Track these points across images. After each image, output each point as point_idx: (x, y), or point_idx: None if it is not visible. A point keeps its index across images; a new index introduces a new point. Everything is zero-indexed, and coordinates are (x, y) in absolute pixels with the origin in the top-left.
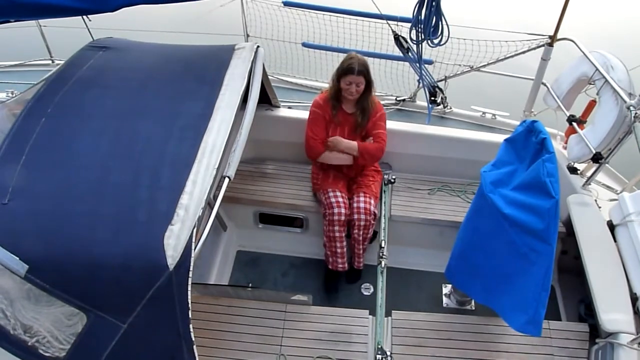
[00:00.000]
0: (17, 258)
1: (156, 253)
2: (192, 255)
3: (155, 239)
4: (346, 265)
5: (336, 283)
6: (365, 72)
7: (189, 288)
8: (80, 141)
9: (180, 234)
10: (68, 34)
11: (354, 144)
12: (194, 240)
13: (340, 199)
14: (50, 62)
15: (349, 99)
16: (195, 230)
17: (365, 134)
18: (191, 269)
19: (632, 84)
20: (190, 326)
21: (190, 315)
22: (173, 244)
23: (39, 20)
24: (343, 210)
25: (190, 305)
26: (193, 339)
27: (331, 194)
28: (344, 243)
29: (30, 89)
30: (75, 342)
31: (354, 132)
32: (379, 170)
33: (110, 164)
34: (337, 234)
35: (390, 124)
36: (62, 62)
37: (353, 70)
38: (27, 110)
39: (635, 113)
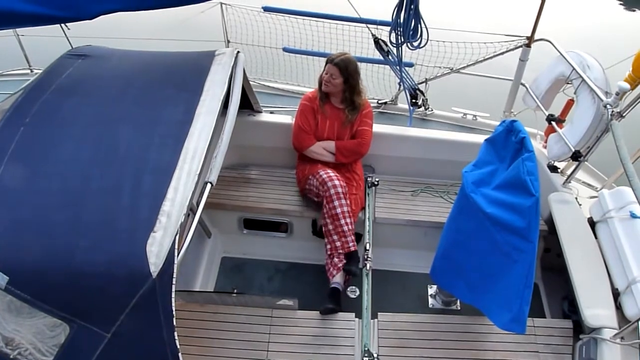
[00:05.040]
0: None
1: (139, 261)
2: (175, 262)
3: (137, 247)
4: (355, 243)
5: (338, 299)
6: (342, 67)
7: (173, 295)
8: (60, 149)
9: (162, 241)
10: (46, 43)
11: (332, 142)
12: (176, 247)
13: (333, 174)
14: (28, 71)
15: (332, 92)
16: (177, 236)
17: (355, 132)
18: (174, 276)
19: (608, 83)
20: (175, 334)
21: (175, 323)
22: (156, 251)
23: (17, 29)
24: (337, 182)
25: (174, 312)
26: (178, 346)
27: (322, 172)
28: (352, 219)
29: (8, 99)
30: (58, 354)
31: (343, 127)
32: (363, 178)
33: (90, 172)
34: (341, 209)
35: (373, 127)
36: (41, 71)
37: (332, 60)
38: (5, 120)
39: (612, 111)
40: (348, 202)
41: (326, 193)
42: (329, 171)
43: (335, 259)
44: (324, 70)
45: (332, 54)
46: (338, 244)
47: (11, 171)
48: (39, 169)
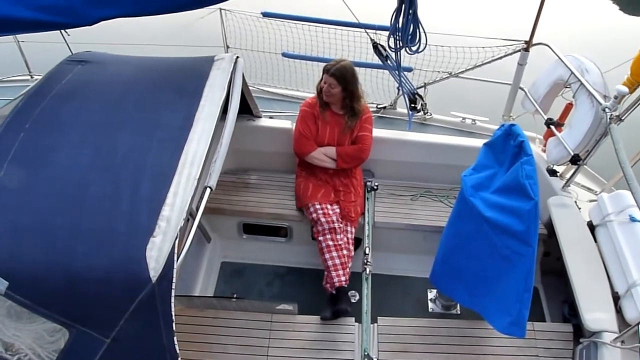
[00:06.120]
0: None
1: (138, 265)
2: (175, 266)
3: (137, 252)
4: (342, 279)
5: (338, 307)
6: (338, 76)
7: (172, 300)
8: (60, 155)
9: (162, 245)
10: (47, 49)
11: (333, 148)
12: (176, 251)
13: (320, 211)
14: (29, 77)
15: (329, 100)
16: (177, 241)
17: (355, 138)
18: (174, 280)
19: (606, 87)
20: (175, 339)
21: (174, 328)
22: (155, 256)
23: (17, 36)
24: (324, 219)
25: (174, 317)
26: (178, 351)
27: (312, 209)
28: (343, 252)
29: (8, 105)
30: (58, 359)
31: (343, 133)
32: (362, 184)
33: (90, 177)
34: (325, 243)
35: (372, 132)
36: (41, 77)
37: (328, 70)
38: (5, 125)
39: (611, 115)
40: (337, 236)
41: (316, 228)
42: (317, 205)
43: (327, 285)
44: (321, 79)
45: (331, 59)
46: (327, 276)
47: (11, 176)
48: (39, 174)
